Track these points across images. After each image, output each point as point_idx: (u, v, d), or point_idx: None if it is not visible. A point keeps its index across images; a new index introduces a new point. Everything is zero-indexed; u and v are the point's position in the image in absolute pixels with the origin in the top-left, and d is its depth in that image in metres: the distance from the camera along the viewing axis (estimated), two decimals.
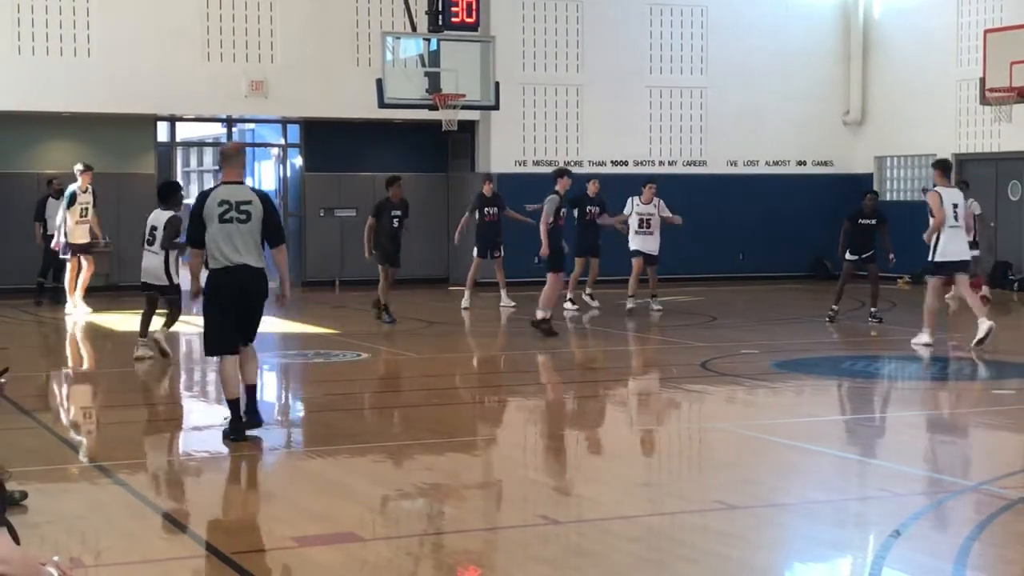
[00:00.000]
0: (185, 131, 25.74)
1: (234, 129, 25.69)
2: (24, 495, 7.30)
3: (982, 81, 21.55)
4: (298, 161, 24.75)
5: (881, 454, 9.39)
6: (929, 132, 24.66)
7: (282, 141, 25.14)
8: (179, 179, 25.46)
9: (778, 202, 25.29)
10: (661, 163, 25.18)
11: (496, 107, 20.71)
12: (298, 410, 11.92)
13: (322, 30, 23.04)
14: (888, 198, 26.11)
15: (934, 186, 14.99)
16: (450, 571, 6.40)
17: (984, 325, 14.23)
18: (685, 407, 11.64)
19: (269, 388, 13.55)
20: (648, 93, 25.12)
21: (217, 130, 26.70)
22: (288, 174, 25.10)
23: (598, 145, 24.70)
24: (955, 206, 14.59)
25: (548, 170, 23.91)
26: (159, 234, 13.58)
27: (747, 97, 25.46)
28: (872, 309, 17.68)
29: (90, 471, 8.61)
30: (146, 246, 13.81)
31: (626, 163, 24.89)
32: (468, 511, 7.70)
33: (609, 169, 24.65)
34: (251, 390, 9.42)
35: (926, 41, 24.66)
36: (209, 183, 31.81)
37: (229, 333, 9.25)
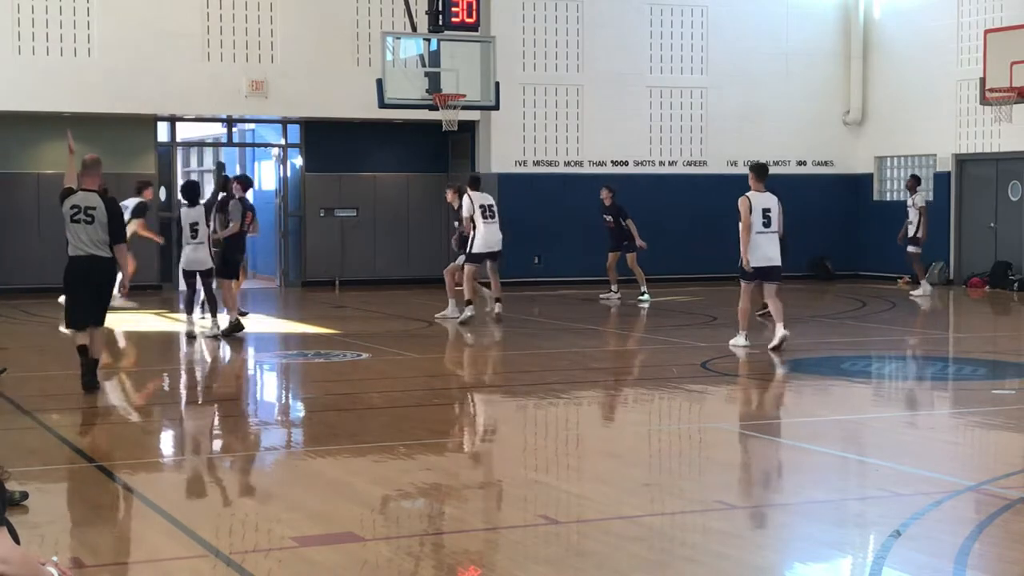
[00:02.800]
0: (185, 131, 25.74)
1: (234, 129, 25.69)
2: (24, 495, 7.30)
3: (982, 81, 21.57)
4: (298, 161, 24.76)
5: (881, 454, 9.38)
6: (929, 132, 24.67)
7: (282, 141, 25.14)
8: (179, 179, 25.46)
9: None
10: (661, 163, 25.19)
11: (496, 107, 20.72)
12: (298, 410, 11.92)
13: (322, 30, 23.05)
14: (888, 198, 26.15)
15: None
16: (450, 571, 6.39)
17: (780, 333, 14.46)
18: (685, 407, 11.64)
19: (269, 388, 13.57)
20: (648, 93, 25.13)
21: (217, 130, 26.70)
22: (288, 174, 25.09)
23: (598, 145, 24.71)
24: (766, 211, 14.62)
25: (548, 170, 24.07)
26: (201, 228, 15.70)
27: (747, 97, 25.47)
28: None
29: (90, 471, 8.61)
30: (190, 241, 15.80)
31: (626, 163, 24.89)
32: (468, 511, 7.70)
33: (609, 169, 24.66)
34: (94, 363, 11.67)
35: (926, 41, 24.67)
36: (209, 182, 31.80)
37: (81, 312, 11.52)
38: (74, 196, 11.47)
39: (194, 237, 15.75)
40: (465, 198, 17.71)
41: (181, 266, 16.35)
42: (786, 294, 19.13)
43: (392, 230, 24.39)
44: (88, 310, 11.51)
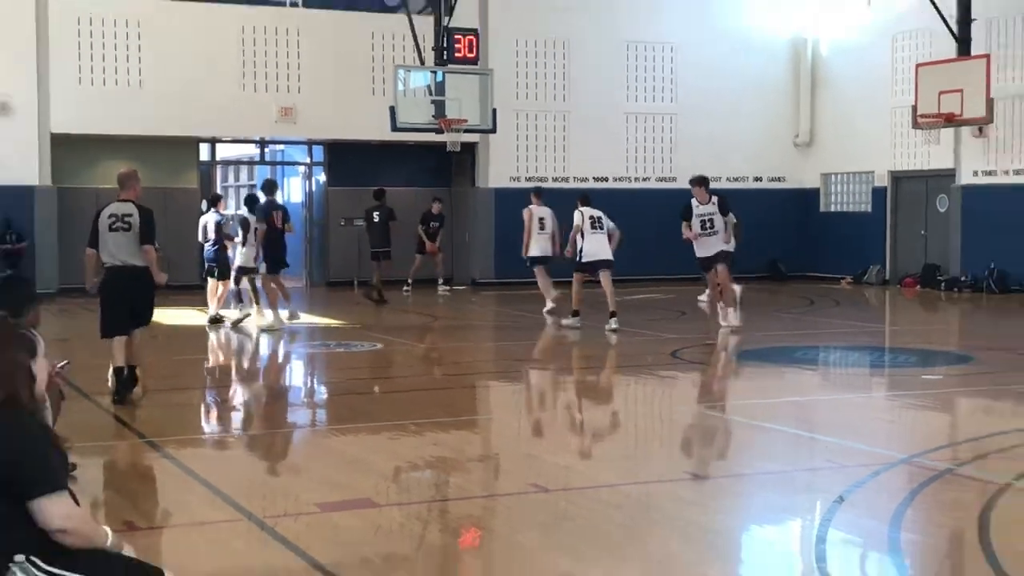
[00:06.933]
0: (224, 151, 25.68)
1: (266, 149, 25.65)
2: (73, 466, 7.23)
3: (914, 108, 21.59)
4: (322, 177, 24.72)
5: (827, 431, 9.38)
6: (868, 152, 24.68)
7: (308, 160, 25.10)
8: (219, 192, 25.41)
9: (739, 213, 25.24)
10: (636, 179, 25.16)
11: (494, 131, 20.73)
12: (322, 393, 11.89)
13: (343, 63, 23.01)
14: (832, 209, 26.15)
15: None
16: (454, 533, 6.38)
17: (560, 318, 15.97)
18: (658, 391, 11.63)
19: (297, 375, 13.54)
20: (625, 119, 25.11)
21: (252, 150, 26.65)
22: (313, 189, 25.07)
23: (582, 164, 24.69)
24: (594, 219, 15.81)
25: (538, 185, 24.00)
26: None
27: (711, 122, 25.44)
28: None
29: (140, 446, 8.59)
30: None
31: (606, 179, 24.88)
32: (471, 481, 7.68)
33: (591, 184, 24.61)
34: (132, 369, 10.25)
35: (866, 74, 24.66)
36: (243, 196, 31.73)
37: (119, 320, 10.22)
38: (110, 206, 10.41)
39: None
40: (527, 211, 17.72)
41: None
42: (746, 293, 19.10)
43: (403, 237, 24.31)
44: (123, 320, 10.22)
